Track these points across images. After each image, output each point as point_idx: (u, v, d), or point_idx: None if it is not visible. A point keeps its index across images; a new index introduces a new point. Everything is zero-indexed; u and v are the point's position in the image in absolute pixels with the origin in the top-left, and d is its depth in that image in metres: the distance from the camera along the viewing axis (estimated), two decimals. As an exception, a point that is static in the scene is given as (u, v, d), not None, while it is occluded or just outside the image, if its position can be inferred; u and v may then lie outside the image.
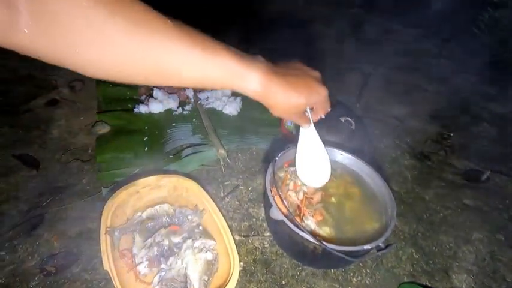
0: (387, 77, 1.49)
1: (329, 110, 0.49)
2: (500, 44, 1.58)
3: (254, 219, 0.73)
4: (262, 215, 0.73)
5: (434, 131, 1.13)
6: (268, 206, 0.58)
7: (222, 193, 0.78)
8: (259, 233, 0.70)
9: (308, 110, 0.49)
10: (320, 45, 1.59)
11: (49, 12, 0.27)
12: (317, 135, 0.54)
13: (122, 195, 0.64)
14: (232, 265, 0.56)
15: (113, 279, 0.51)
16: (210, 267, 0.57)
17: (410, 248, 0.71)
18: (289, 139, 0.90)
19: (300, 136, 0.55)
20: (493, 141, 1.11)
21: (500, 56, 1.55)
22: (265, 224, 0.71)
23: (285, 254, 0.66)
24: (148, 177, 0.68)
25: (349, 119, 0.86)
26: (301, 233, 0.51)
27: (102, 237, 0.57)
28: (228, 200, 0.76)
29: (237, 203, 0.76)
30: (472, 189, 0.88)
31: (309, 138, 0.54)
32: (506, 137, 1.13)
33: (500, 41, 1.58)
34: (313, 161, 0.56)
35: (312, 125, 0.51)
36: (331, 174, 0.57)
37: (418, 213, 0.80)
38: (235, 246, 0.59)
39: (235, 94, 1.10)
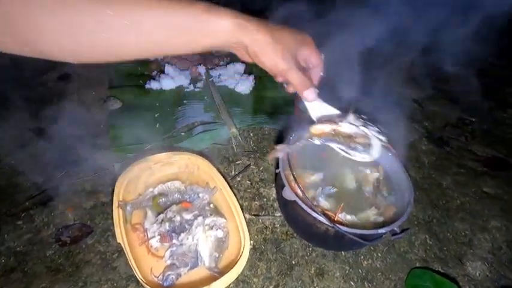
0: (406, 59, 1.42)
1: (322, 57, 0.46)
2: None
3: (265, 199, 0.72)
4: (273, 195, 0.73)
5: (455, 116, 1.08)
6: (280, 186, 0.57)
7: (233, 172, 0.77)
8: (270, 213, 0.69)
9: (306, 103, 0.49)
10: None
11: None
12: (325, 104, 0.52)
13: (134, 170, 0.65)
14: (243, 243, 0.56)
15: (125, 252, 0.52)
16: (221, 244, 0.57)
17: (424, 234, 0.69)
18: (303, 120, 0.87)
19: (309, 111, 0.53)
20: (517, 128, 1.05)
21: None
22: (276, 204, 0.71)
23: (295, 234, 0.65)
24: (160, 154, 0.68)
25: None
26: (315, 215, 0.50)
27: (115, 210, 0.57)
28: (239, 179, 0.76)
29: (248, 182, 0.75)
30: (493, 177, 0.84)
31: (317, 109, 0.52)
32: (532, 124, 1.07)
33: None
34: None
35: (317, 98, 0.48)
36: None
37: (434, 199, 0.77)
38: (245, 224, 0.59)
39: (247, 72, 1.07)
